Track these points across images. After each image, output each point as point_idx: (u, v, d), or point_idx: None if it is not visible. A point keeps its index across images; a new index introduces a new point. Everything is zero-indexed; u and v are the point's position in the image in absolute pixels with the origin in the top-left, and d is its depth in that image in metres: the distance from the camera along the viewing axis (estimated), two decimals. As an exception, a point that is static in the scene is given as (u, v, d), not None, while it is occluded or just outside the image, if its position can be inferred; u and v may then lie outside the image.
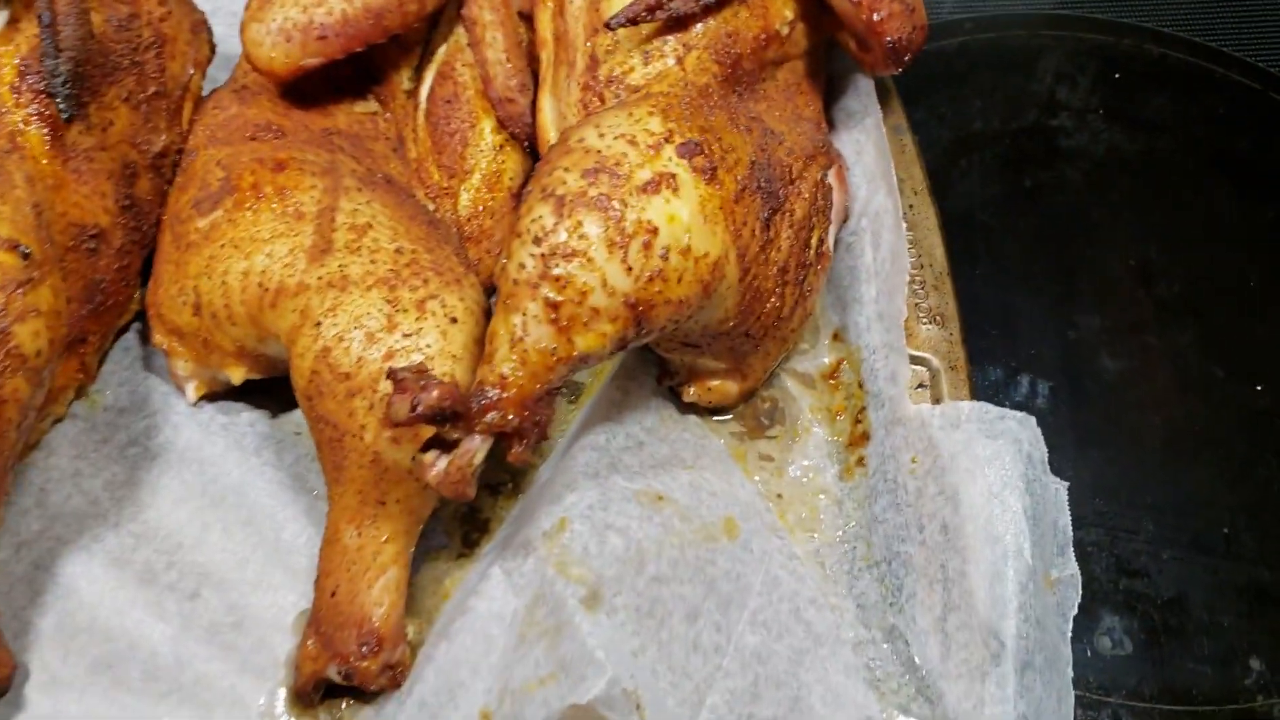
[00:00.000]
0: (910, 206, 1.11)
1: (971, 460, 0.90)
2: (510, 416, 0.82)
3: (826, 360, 1.09)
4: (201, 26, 1.08)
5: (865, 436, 1.02)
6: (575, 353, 0.83)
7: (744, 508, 0.98)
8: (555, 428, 1.06)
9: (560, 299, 0.82)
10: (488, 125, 1.06)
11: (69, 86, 0.92)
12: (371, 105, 1.09)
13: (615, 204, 0.83)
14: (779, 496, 1.01)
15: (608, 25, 0.96)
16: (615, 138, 0.86)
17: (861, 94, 1.13)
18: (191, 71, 1.06)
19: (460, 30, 1.08)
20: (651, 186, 0.84)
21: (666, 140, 0.86)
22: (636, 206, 0.83)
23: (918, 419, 0.96)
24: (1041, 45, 1.40)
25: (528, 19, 1.09)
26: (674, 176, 0.85)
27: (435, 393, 0.79)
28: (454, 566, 0.97)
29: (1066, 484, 0.89)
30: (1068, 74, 1.36)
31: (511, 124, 1.06)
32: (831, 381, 1.08)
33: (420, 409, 0.78)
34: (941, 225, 1.09)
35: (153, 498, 0.97)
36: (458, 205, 1.04)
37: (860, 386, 1.05)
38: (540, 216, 0.83)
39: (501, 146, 1.06)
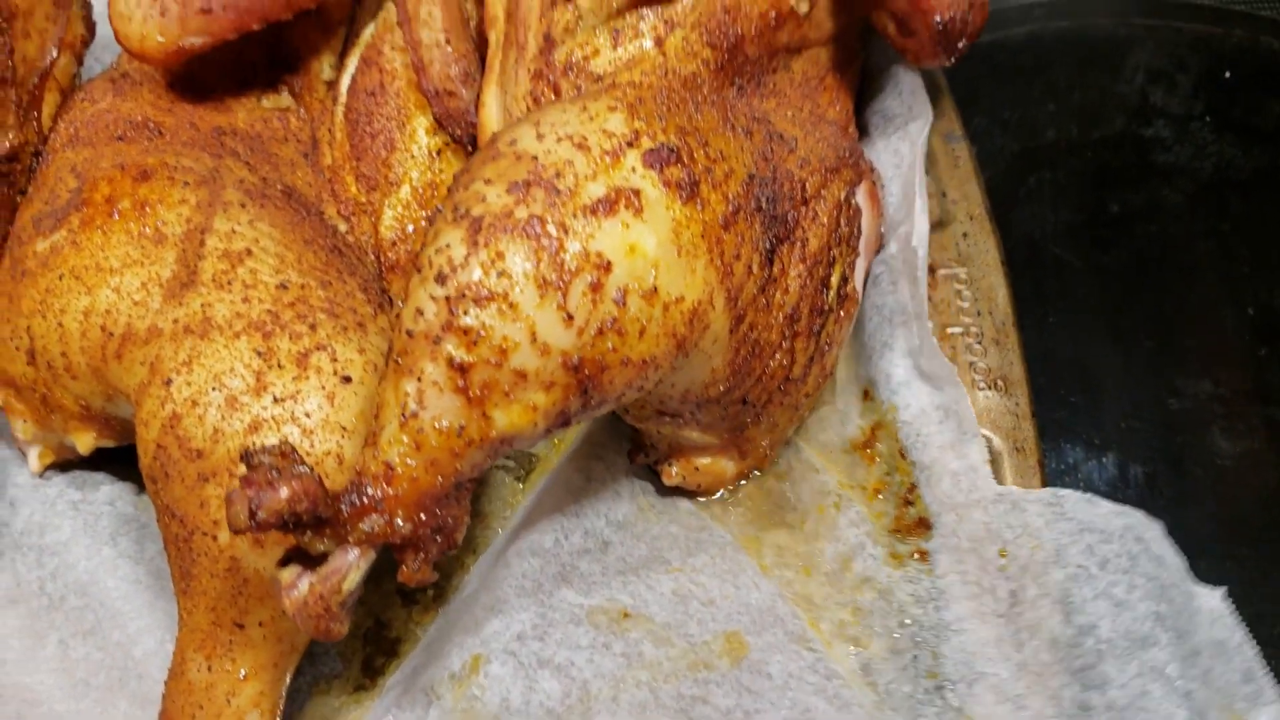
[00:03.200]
0: (964, 235, 0.87)
1: (1084, 554, 0.70)
2: (399, 523, 0.59)
3: (858, 424, 0.85)
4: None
5: (924, 525, 0.78)
6: (493, 433, 0.60)
7: (756, 616, 0.74)
8: (497, 514, 0.82)
9: (470, 359, 0.59)
10: (421, 125, 0.83)
11: None
12: (283, 99, 0.87)
13: (551, 229, 0.60)
14: (809, 600, 0.77)
15: None
16: (559, 140, 0.63)
17: (904, 92, 0.90)
18: (54, 54, 0.85)
19: (391, 4, 0.86)
20: (605, 206, 0.61)
21: (630, 144, 0.64)
22: (582, 233, 0.60)
23: (1006, 501, 0.72)
24: (1131, 36, 1.16)
25: (478, -9, 0.87)
26: (637, 193, 0.62)
27: (285, 492, 0.56)
28: (350, 703, 0.74)
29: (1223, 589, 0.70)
30: (1164, 72, 1.12)
31: (451, 123, 0.83)
32: (866, 452, 0.83)
33: (261, 514, 0.55)
34: (1004, 261, 0.85)
35: (-26, 596, 0.76)
36: (379, 225, 0.82)
37: (903, 457, 0.81)
38: (448, 245, 0.60)
39: (438, 152, 0.83)
